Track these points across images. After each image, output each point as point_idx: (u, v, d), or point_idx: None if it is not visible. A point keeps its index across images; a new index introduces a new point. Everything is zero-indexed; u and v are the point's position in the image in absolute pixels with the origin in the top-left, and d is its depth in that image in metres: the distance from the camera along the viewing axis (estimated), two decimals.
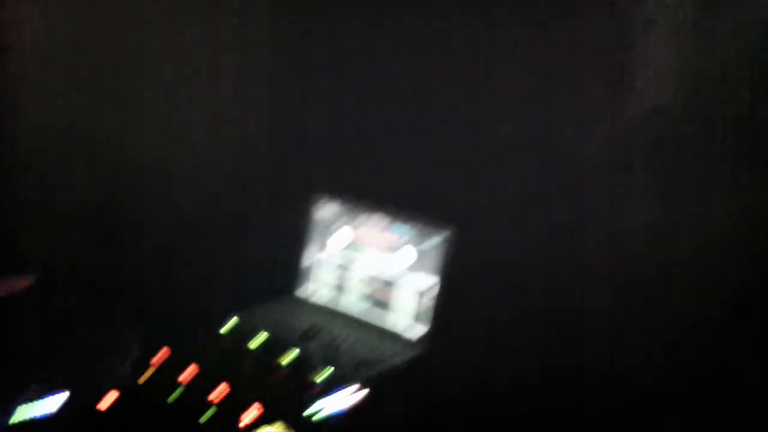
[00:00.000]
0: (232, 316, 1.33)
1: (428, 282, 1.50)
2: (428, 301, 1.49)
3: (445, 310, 1.48)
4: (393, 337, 1.51)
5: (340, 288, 1.63)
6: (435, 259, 1.50)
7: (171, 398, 1.09)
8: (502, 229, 1.46)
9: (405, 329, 1.51)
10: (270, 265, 1.64)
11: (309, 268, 1.67)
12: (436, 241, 1.51)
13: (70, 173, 1.63)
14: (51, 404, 1.05)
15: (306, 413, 1.10)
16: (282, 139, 1.70)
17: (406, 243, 1.55)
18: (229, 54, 1.69)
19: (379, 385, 1.23)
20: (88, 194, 1.64)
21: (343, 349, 1.37)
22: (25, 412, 1.02)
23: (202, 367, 1.18)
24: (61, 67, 1.61)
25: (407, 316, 1.52)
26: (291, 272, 1.65)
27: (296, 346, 1.27)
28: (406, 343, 1.48)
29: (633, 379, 1.24)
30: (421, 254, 1.52)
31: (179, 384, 1.14)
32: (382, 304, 1.56)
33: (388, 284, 1.56)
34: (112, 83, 1.64)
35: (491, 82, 1.49)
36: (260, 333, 1.25)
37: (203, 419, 1.07)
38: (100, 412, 1.05)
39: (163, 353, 1.19)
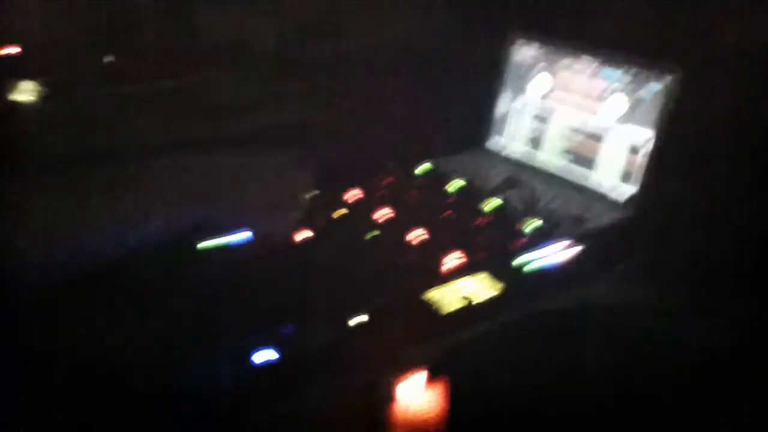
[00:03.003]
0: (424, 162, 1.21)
1: (642, 136, 1.30)
2: (641, 158, 1.30)
3: (661, 169, 1.28)
4: (597, 196, 1.34)
5: (536, 141, 1.46)
6: (652, 109, 1.29)
7: (367, 236, 1.02)
8: (732, 78, 1.20)
9: (611, 189, 1.33)
10: (462, 112, 1.49)
11: (504, 118, 1.51)
12: (655, 88, 1.28)
13: None
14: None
15: (515, 264, 0.99)
16: None
17: (617, 90, 1.33)
18: None
19: (588, 244, 1.08)
20: None
21: (544, 204, 1.23)
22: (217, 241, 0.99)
23: (396, 206, 1.09)
24: None
25: (614, 174, 1.34)
26: (484, 122, 1.50)
27: (494, 195, 1.14)
28: (612, 205, 1.31)
29: None
30: (635, 104, 1.31)
31: (374, 222, 1.06)
32: (585, 160, 1.38)
33: (594, 137, 1.37)
34: None
35: None
36: (455, 179, 1.13)
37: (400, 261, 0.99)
38: (293, 245, 1.00)
39: (355, 193, 1.11)
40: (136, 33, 1.46)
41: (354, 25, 1.55)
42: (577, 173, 1.40)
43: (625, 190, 1.32)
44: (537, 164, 1.45)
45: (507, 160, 1.49)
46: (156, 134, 1.31)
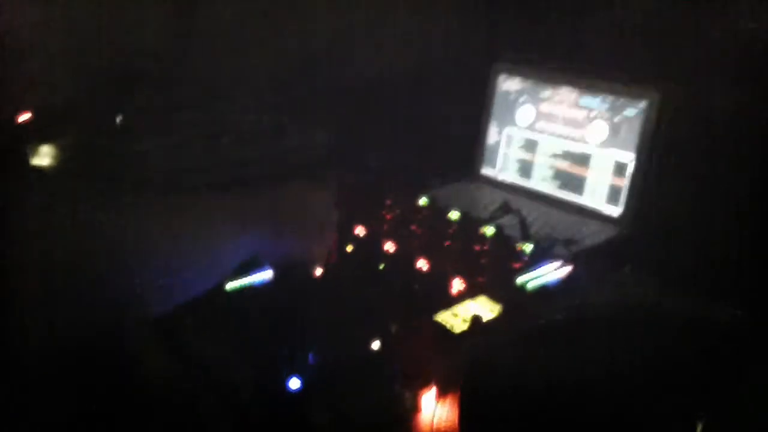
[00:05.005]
0: (421, 195, 1.30)
1: (625, 158, 1.39)
2: (625, 179, 1.39)
3: (645, 188, 1.37)
4: (586, 218, 1.43)
5: (526, 168, 1.55)
6: (632, 132, 1.38)
7: (381, 266, 1.09)
8: (713, 95, 1.30)
9: (599, 210, 1.42)
10: (454, 144, 1.59)
11: (494, 148, 1.61)
12: (632, 113, 1.38)
13: None
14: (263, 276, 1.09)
15: (517, 283, 1.06)
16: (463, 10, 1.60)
17: (598, 117, 1.43)
18: None
19: (583, 261, 1.17)
20: None
21: (537, 228, 1.31)
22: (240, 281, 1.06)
23: (403, 237, 1.17)
24: None
25: (601, 196, 1.43)
26: (475, 152, 1.60)
27: (490, 222, 1.22)
28: (601, 224, 1.40)
29: None
30: (616, 128, 1.41)
31: (384, 253, 1.14)
32: (573, 184, 1.48)
33: (580, 162, 1.46)
34: None
35: None
36: (454, 208, 1.21)
37: (411, 287, 1.07)
38: (314, 279, 1.07)
39: (362, 228, 1.20)
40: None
41: (346, 59, 1.64)
42: (566, 197, 1.49)
43: (613, 211, 1.41)
44: (528, 190, 1.54)
45: (500, 188, 1.58)
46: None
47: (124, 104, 1.43)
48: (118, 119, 1.38)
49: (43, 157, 1.32)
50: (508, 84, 1.58)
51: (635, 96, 1.38)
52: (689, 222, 1.29)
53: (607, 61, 1.42)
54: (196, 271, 1.08)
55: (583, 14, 1.43)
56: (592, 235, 1.36)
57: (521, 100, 1.56)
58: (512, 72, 1.58)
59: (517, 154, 1.57)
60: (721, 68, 1.27)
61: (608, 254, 1.29)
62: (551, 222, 1.41)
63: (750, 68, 1.23)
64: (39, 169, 1.32)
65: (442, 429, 0.82)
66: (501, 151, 1.60)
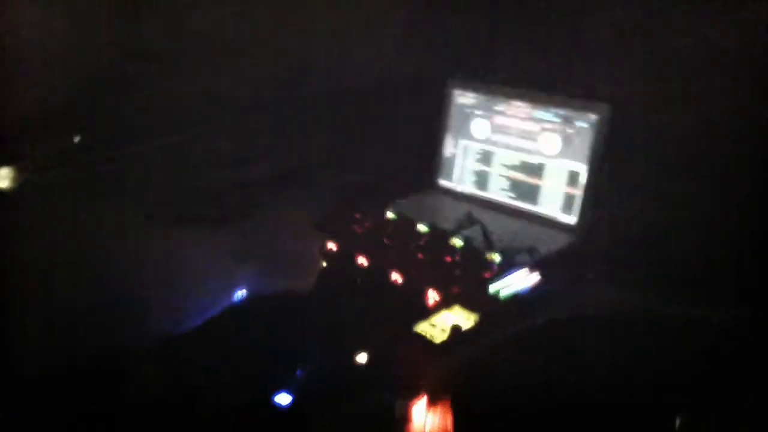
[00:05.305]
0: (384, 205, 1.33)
1: (577, 169, 1.46)
2: (578, 189, 1.46)
3: (597, 197, 1.44)
4: (543, 226, 1.49)
5: (482, 180, 1.60)
6: (583, 144, 1.45)
7: (357, 281, 1.11)
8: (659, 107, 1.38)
9: (557, 215, 1.49)
10: (413, 155, 1.62)
11: (451, 160, 1.65)
12: (583, 125, 1.45)
13: None
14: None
15: (490, 291, 1.10)
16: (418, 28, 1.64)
17: (549, 130, 1.50)
18: None
19: (547, 268, 1.22)
20: None
21: (498, 237, 1.36)
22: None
23: (373, 251, 1.19)
24: None
25: (556, 205, 1.49)
26: (433, 162, 1.64)
27: (455, 233, 1.26)
28: (558, 232, 1.46)
29: None
30: (567, 140, 1.47)
31: (359, 267, 1.16)
32: (528, 195, 1.53)
33: (534, 174, 1.52)
34: None
35: None
36: (420, 221, 1.25)
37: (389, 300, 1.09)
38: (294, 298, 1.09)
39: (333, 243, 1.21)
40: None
41: (306, 75, 1.65)
42: (523, 206, 1.55)
43: (568, 219, 1.48)
44: (486, 200, 1.59)
45: (458, 199, 1.62)
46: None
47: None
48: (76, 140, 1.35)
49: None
50: (463, 98, 1.63)
51: (586, 109, 1.45)
52: (641, 227, 1.36)
53: (559, 75, 1.49)
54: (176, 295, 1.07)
55: (536, 30, 1.50)
56: (550, 243, 1.42)
57: (476, 113, 1.61)
58: (466, 87, 1.63)
59: (474, 165, 1.62)
60: (666, 82, 1.36)
61: (567, 261, 1.35)
62: (510, 231, 1.46)
63: (691, 82, 1.32)
64: None
65: None
66: (458, 163, 1.65)
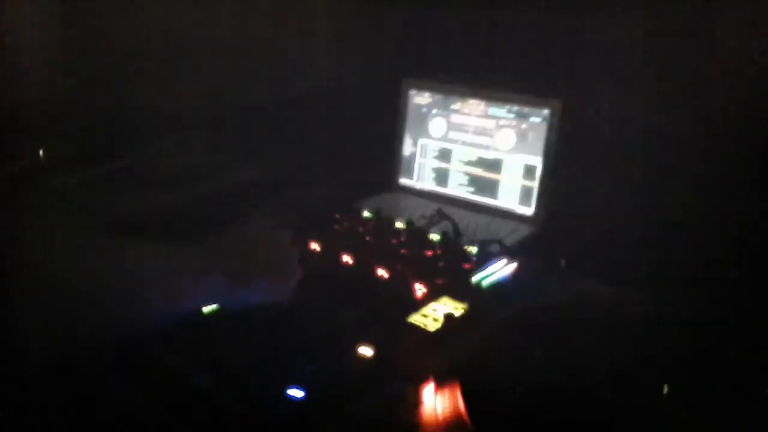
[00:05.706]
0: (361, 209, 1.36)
1: (532, 162, 1.53)
2: (535, 181, 1.53)
3: (553, 188, 1.52)
4: (506, 215, 1.55)
5: (443, 177, 1.66)
6: (537, 138, 1.53)
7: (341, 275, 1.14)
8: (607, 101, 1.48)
9: (516, 207, 1.55)
10: (374, 156, 1.65)
11: (411, 159, 1.69)
12: (536, 120, 1.53)
13: None
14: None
15: (474, 281, 1.15)
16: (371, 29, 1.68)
17: (505, 126, 1.57)
18: None
19: (513, 257, 1.28)
20: None
21: (465, 230, 1.41)
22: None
23: (356, 249, 1.21)
24: None
25: (514, 198, 1.56)
26: (393, 162, 1.68)
27: (430, 228, 1.31)
28: (521, 220, 1.53)
29: None
30: (522, 135, 1.55)
31: (344, 266, 1.18)
32: (488, 189, 1.60)
33: (491, 169, 1.59)
34: None
35: None
36: (397, 217, 1.29)
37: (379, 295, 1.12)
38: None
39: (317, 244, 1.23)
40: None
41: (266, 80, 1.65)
42: (483, 200, 1.61)
43: (526, 210, 1.55)
44: (447, 196, 1.64)
45: (419, 196, 1.67)
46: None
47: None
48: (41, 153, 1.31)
49: None
50: (419, 98, 1.68)
51: (539, 105, 1.53)
52: (596, 216, 1.45)
53: (512, 73, 1.57)
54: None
55: (489, 31, 1.57)
56: (512, 234, 1.49)
57: (433, 112, 1.66)
58: (422, 87, 1.68)
59: (433, 163, 1.67)
60: (612, 78, 1.45)
61: (527, 250, 1.42)
62: (472, 225, 1.52)
63: (639, 78, 1.42)
64: None
65: (447, 416, 0.88)
66: (417, 161, 1.69)
